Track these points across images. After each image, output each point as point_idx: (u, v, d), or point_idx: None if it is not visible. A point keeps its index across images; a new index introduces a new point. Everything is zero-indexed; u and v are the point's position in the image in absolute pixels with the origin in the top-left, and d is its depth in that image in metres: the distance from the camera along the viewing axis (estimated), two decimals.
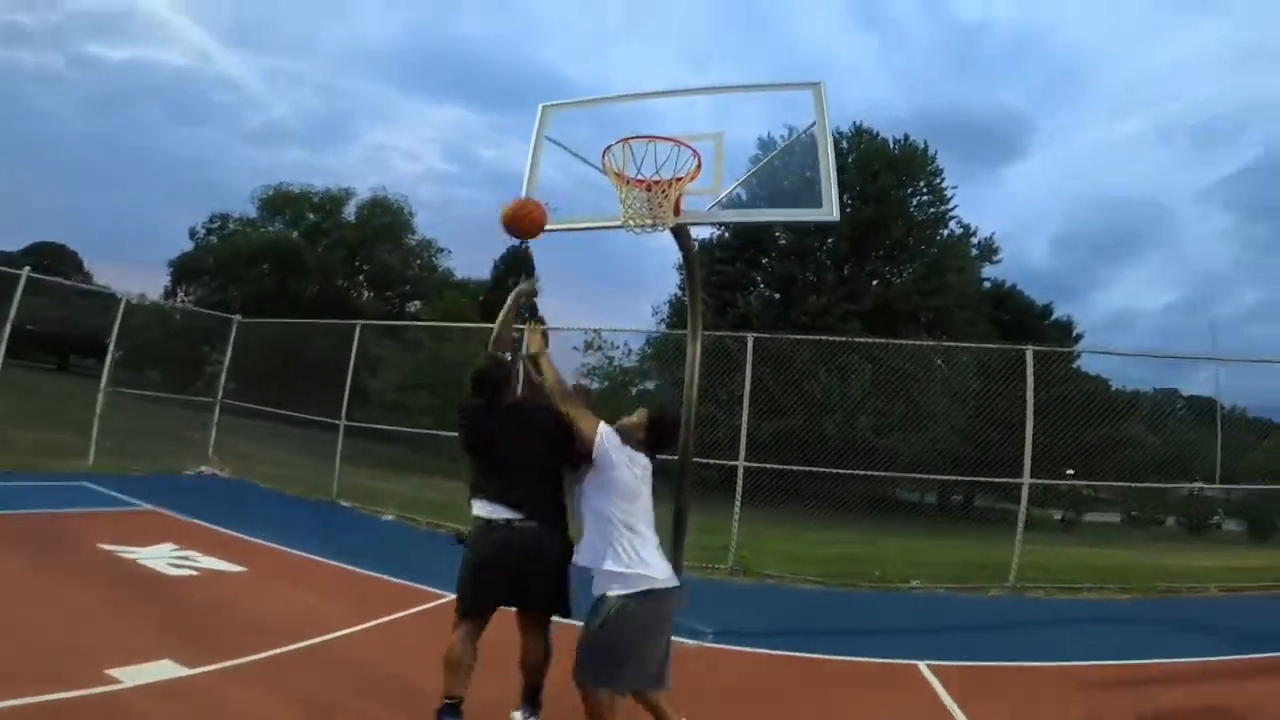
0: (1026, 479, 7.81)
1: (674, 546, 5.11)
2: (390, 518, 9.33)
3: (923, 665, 4.42)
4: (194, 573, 5.29)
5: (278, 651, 3.80)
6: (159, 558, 5.53)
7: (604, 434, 2.81)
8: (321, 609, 4.75)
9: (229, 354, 11.96)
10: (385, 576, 5.82)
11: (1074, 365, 20.96)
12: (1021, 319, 28.85)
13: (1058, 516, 19.29)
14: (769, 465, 8.87)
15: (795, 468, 9.39)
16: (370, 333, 14.00)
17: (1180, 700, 4.01)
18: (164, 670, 3.33)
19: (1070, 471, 16.94)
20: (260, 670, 3.56)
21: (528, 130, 5.44)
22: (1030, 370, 7.88)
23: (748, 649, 4.69)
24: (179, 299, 36.40)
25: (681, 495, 5.13)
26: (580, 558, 2.84)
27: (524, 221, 3.51)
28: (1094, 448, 15.93)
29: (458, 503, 10.81)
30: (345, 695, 3.38)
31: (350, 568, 6.10)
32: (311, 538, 7.00)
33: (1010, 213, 76.08)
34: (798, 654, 4.62)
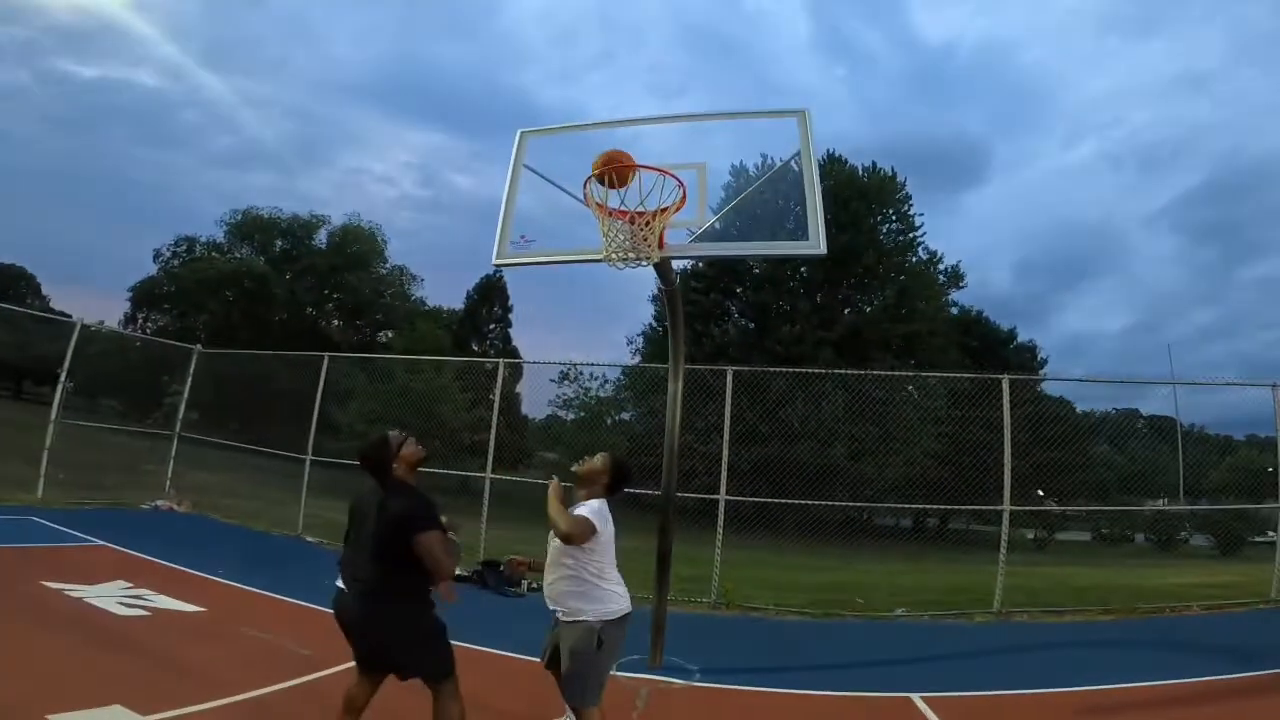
0: (1007, 505, 7.79)
1: (658, 587, 4.96)
2: None
3: (916, 698, 4.30)
4: (146, 612, 4.99)
5: (239, 698, 3.56)
6: (108, 596, 5.22)
7: (595, 521, 2.97)
8: (287, 651, 4.47)
9: (188, 385, 11.56)
10: None
11: (1039, 388, 21.44)
12: (990, 344, 29.44)
13: (1030, 535, 19.46)
14: (750, 499, 8.78)
15: (776, 500, 9.31)
16: (340, 363, 13.67)
17: None
18: (114, 717, 3.12)
19: (1041, 493, 17.16)
20: (220, 718, 3.32)
21: (502, 156, 5.35)
22: (1007, 399, 7.86)
23: (737, 686, 4.51)
24: (138, 326, 35.32)
25: (664, 538, 5.00)
26: (574, 616, 2.99)
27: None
28: (1063, 467, 16.19)
29: None
30: None
31: (317, 607, 5.77)
32: (275, 575, 6.68)
33: (972, 239, 78.65)
34: (789, 690, 4.46)
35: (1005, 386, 7.95)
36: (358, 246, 37.96)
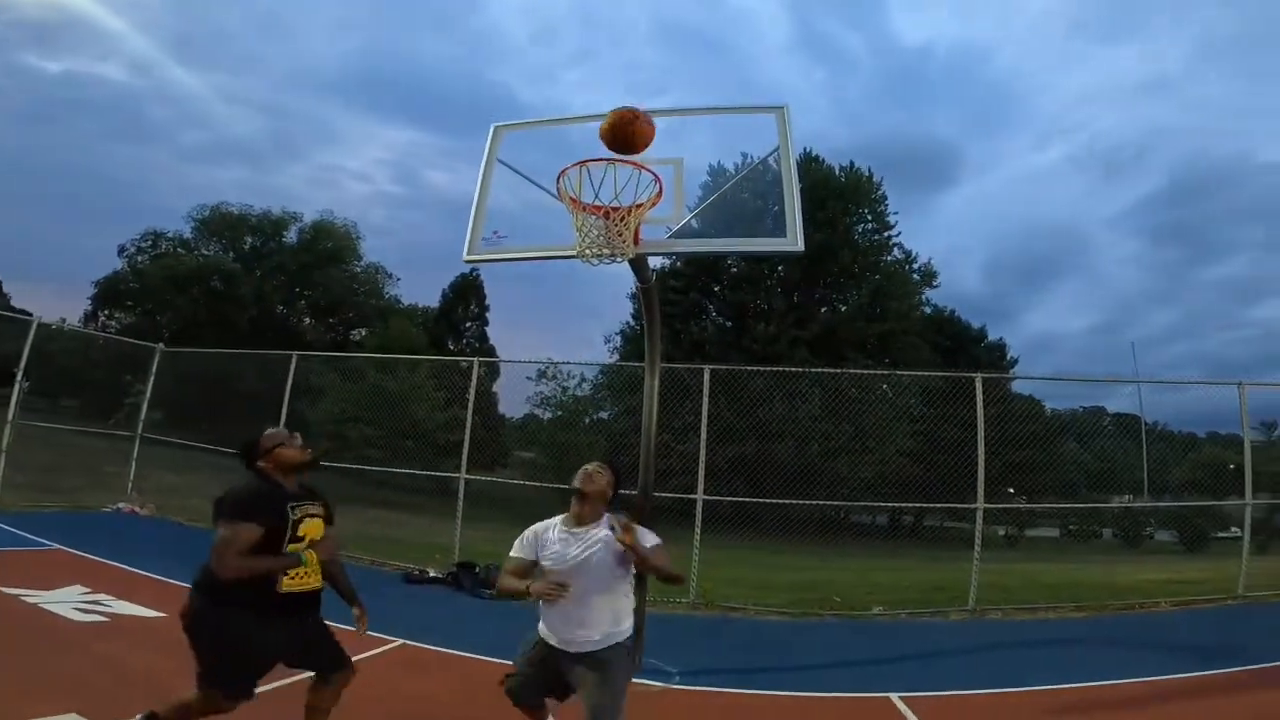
0: (981, 503, 7.87)
1: (636, 588, 4.88)
2: None
3: (895, 697, 4.30)
4: (104, 618, 4.82)
5: None
6: (65, 602, 5.04)
7: None
8: None
9: (150, 384, 11.23)
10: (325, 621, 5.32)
11: (1009, 387, 21.82)
12: (961, 343, 29.85)
13: (1002, 533, 19.76)
14: (727, 498, 8.76)
15: (753, 500, 9.31)
16: (310, 362, 13.39)
17: None
18: None
19: (1010, 490, 17.43)
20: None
21: (480, 154, 5.20)
22: (980, 397, 7.94)
23: (717, 689, 4.46)
24: (100, 323, 34.31)
25: None
26: (612, 639, 2.84)
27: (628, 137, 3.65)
28: (1034, 466, 16.45)
29: (403, 539, 10.34)
30: None
31: None
32: None
33: (944, 239, 79.92)
34: (770, 692, 4.43)
35: (979, 385, 8.03)
36: (331, 243, 37.26)
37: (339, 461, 12.56)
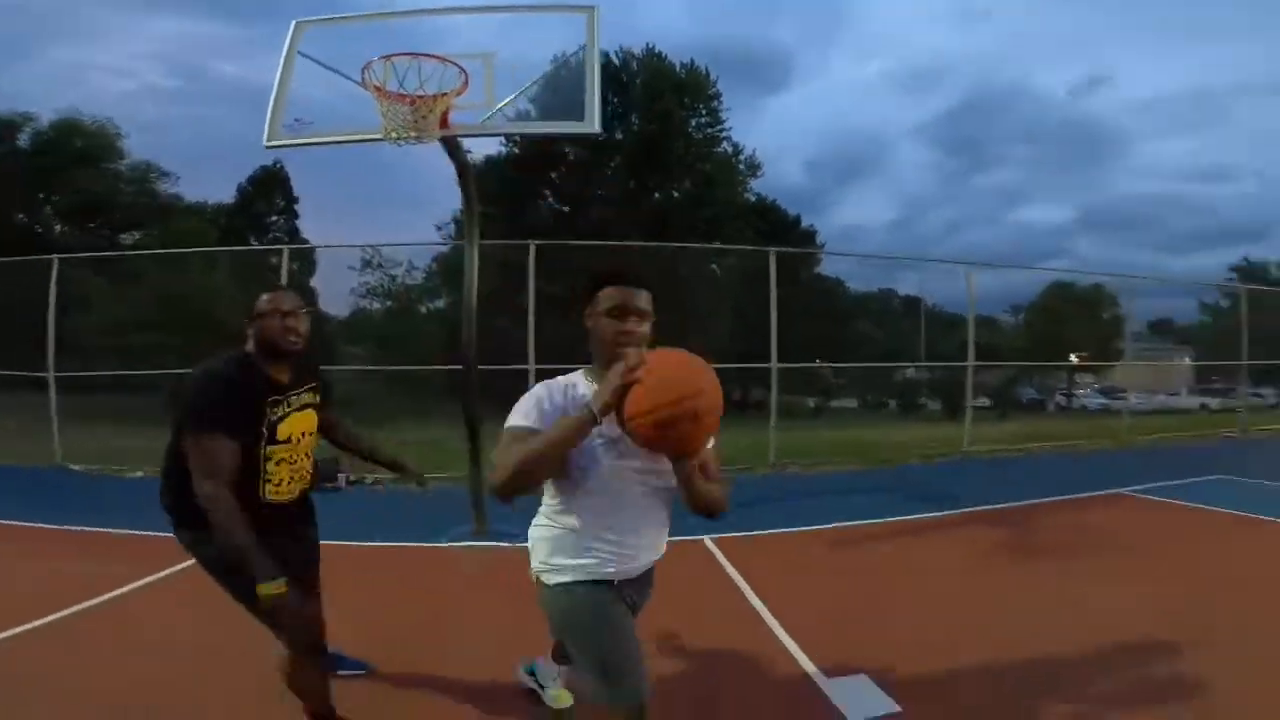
0: (774, 364, 9.28)
1: (472, 458, 5.23)
2: (140, 474, 8.17)
3: (707, 539, 5.10)
4: None
5: (38, 623, 3.41)
6: None
7: None
8: (76, 575, 4.19)
9: None
10: (148, 533, 4.92)
11: (818, 270, 24.26)
12: (778, 229, 32.06)
13: (811, 404, 22.37)
14: (559, 366, 9.20)
15: (581, 367, 9.85)
16: (77, 268, 11.67)
17: (897, 551, 5.08)
18: None
19: (817, 360, 19.76)
20: (25, 644, 3.21)
21: (282, 44, 4.97)
22: (774, 270, 9.31)
23: None
24: None
25: (470, 408, 5.29)
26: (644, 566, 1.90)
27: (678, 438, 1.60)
28: (836, 340, 18.66)
29: None
30: (141, 654, 3.10)
31: (101, 530, 5.43)
32: (40, 507, 6.08)
33: (772, 137, 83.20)
34: None
35: (772, 260, 9.39)
36: (81, 143, 31.17)
37: (131, 370, 11.40)
